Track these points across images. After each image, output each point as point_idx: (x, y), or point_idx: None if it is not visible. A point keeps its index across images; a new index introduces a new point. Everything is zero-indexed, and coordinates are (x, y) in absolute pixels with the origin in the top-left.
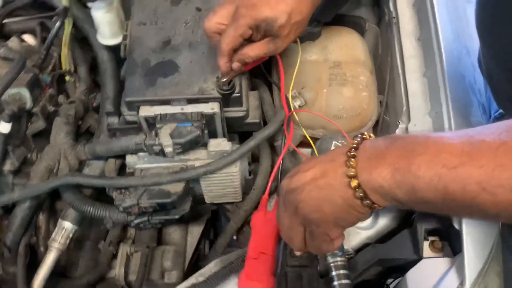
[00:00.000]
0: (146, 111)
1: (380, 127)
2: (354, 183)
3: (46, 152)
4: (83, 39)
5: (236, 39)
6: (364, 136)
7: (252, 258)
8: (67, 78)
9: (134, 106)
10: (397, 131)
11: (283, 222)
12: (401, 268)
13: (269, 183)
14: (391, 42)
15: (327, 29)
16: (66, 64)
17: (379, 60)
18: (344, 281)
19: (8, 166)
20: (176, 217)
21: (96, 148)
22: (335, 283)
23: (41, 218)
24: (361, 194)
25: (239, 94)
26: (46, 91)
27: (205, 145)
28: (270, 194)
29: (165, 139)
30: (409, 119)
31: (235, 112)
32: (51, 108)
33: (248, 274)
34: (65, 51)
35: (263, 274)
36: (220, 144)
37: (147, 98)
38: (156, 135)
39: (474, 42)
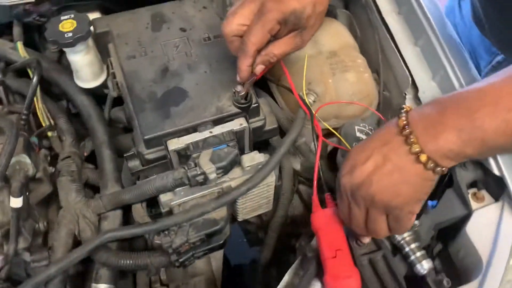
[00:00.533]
0: (176, 143)
1: (381, 104)
2: (423, 157)
3: (63, 217)
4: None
5: (264, 37)
6: (406, 109)
7: (331, 258)
8: (49, 134)
9: (155, 143)
10: (407, 103)
11: (359, 219)
12: (450, 228)
13: (315, 183)
14: (374, 22)
15: None
16: (44, 119)
17: (359, 42)
18: (418, 253)
19: (21, 244)
20: (220, 242)
21: (123, 196)
22: (412, 257)
23: None
24: (432, 165)
25: (257, 104)
26: (38, 153)
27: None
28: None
29: (207, 166)
30: (415, 89)
31: (255, 122)
32: (51, 169)
33: (333, 274)
34: (40, 106)
35: (347, 268)
36: (254, 158)
37: (168, 131)
38: (196, 164)
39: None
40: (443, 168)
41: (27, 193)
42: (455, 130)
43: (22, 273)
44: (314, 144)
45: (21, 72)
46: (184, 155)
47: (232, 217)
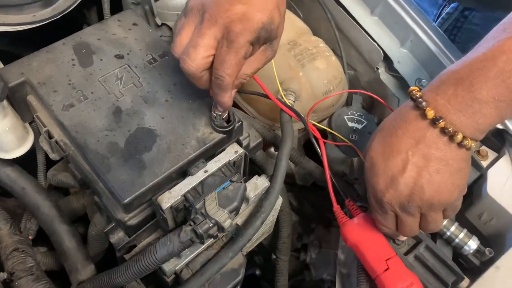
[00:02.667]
0: (169, 198)
1: (348, 85)
2: (469, 143)
3: None
4: None
5: (240, 64)
6: (419, 95)
7: (383, 272)
8: None
9: (137, 204)
10: (381, 76)
11: (413, 226)
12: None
13: (331, 191)
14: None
15: None
16: None
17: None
18: (461, 234)
19: None
20: None
21: (116, 280)
22: (457, 240)
23: None
24: (473, 144)
25: (240, 122)
26: None
27: None
28: None
29: (218, 214)
30: (387, 61)
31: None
32: (2, 275)
33: None
34: None
35: (405, 276)
36: (257, 185)
37: (151, 184)
38: (204, 216)
39: None
40: (478, 141)
41: None
42: (493, 103)
43: None
44: (316, 149)
45: None
46: (180, 209)
47: None
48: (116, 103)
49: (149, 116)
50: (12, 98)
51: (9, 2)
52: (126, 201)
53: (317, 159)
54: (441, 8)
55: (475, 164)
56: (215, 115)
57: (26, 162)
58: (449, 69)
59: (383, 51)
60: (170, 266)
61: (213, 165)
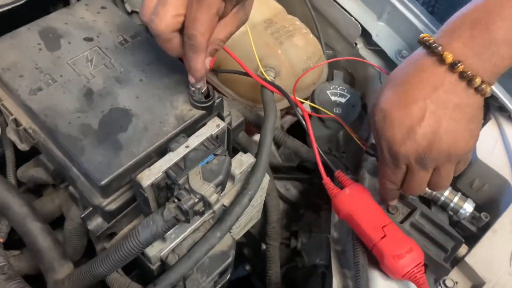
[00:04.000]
0: (149, 176)
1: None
2: (486, 87)
3: None
4: None
5: (212, 22)
6: (432, 40)
7: (380, 239)
8: None
9: (114, 187)
10: (361, 52)
11: (423, 182)
12: None
13: (320, 165)
14: None
15: None
16: None
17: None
18: (456, 198)
19: None
20: (229, 276)
21: (97, 270)
22: (452, 205)
23: None
24: (489, 89)
25: (220, 98)
26: None
27: None
28: None
29: (203, 188)
30: (367, 35)
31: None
32: None
33: (393, 255)
34: None
35: (404, 242)
36: (243, 161)
37: (128, 165)
38: (189, 191)
39: None
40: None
41: None
42: (508, 42)
43: None
44: (302, 123)
45: None
46: (162, 187)
47: None
48: (87, 85)
49: (123, 96)
50: None
51: None
52: (103, 183)
53: (302, 140)
54: None
55: None
56: (193, 89)
57: None
58: (461, 12)
59: (361, 26)
60: (154, 251)
61: (194, 140)
